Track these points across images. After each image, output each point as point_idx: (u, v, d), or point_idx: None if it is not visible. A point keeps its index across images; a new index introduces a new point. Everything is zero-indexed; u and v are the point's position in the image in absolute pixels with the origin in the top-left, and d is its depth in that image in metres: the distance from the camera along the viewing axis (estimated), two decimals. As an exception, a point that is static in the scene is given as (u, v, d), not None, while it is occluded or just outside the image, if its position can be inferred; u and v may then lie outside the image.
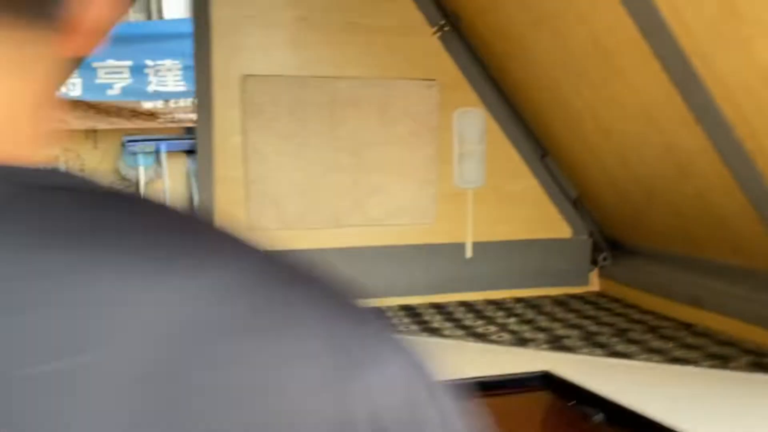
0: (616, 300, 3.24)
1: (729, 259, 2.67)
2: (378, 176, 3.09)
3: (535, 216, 3.37)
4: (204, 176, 2.92)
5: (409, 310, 3.05)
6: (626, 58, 2.25)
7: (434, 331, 2.72)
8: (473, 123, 3.21)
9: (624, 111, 2.49)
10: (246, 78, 2.89)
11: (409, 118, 3.11)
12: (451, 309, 3.09)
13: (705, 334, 2.59)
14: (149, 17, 5.45)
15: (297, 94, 2.95)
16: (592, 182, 3.23)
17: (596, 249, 3.44)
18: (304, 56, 2.97)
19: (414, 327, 2.79)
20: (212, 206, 2.93)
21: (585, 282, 3.44)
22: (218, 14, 2.84)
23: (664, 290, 2.95)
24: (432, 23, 3.09)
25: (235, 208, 2.95)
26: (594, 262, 3.44)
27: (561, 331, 2.69)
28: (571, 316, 2.93)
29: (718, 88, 1.99)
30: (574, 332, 2.66)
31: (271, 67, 2.93)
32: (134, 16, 5.11)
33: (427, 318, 2.93)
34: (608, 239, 3.47)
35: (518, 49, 2.85)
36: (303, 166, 2.98)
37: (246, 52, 2.90)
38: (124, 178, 5.23)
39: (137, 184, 5.20)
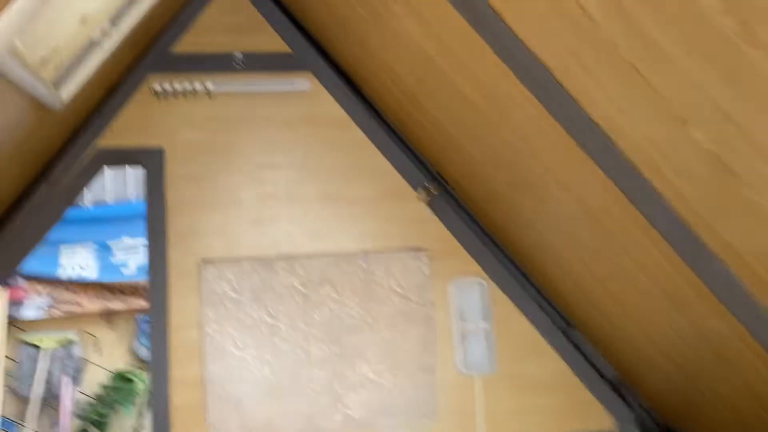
0: None
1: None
2: (362, 367, 2.62)
3: (566, 404, 2.74)
4: (158, 377, 2.54)
5: None
6: (618, 225, 1.77)
7: None
8: (474, 295, 2.73)
9: (634, 284, 1.96)
10: (204, 263, 2.58)
11: (397, 296, 2.67)
12: None
13: None
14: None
15: (262, 277, 2.60)
16: (627, 359, 2.62)
17: (649, 443, 2.74)
18: (270, 234, 2.65)
19: None
20: (167, 411, 2.52)
21: (639, 488, 2.71)
22: (174, 195, 2.61)
23: None
24: (417, 188, 2.74)
25: (192, 414, 2.52)
26: (648, 461, 2.72)
27: None
28: None
29: (731, 258, 1.47)
30: None
31: (231, 249, 2.62)
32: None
33: None
34: (662, 429, 2.78)
35: (510, 212, 2.43)
36: (270, 361, 2.56)
37: (204, 234, 2.61)
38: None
39: (152, 364, 4.87)
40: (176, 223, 2.60)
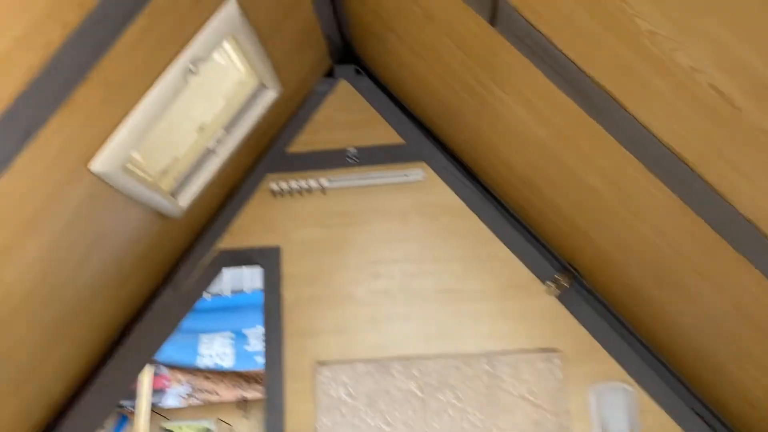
0: None
1: None
2: (490, 484, 2.34)
3: None
4: (274, 488, 2.43)
5: None
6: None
7: None
8: (619, 403, 2.38)
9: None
10: (318, 365, 2.48)
11: (527, 403, 2.40)
12: None
13: None
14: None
15: (378, 380, 2.44)
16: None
17: None
18: (386, 333, 2.51)
19: None
20: None
21: None
22: (290, 294, 2.56)
23: None
24: (545, 280, 2.49)
25: None
26: None
27: None
28: None
29: None
30: None
31: (346, 350, 2.50)
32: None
33: None
34: None
35: (656, 310, 2.10)
36: (388, 474, 2.36)
37: (319, 334, 2.52)
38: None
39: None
40: (292, 323, 2.54)
